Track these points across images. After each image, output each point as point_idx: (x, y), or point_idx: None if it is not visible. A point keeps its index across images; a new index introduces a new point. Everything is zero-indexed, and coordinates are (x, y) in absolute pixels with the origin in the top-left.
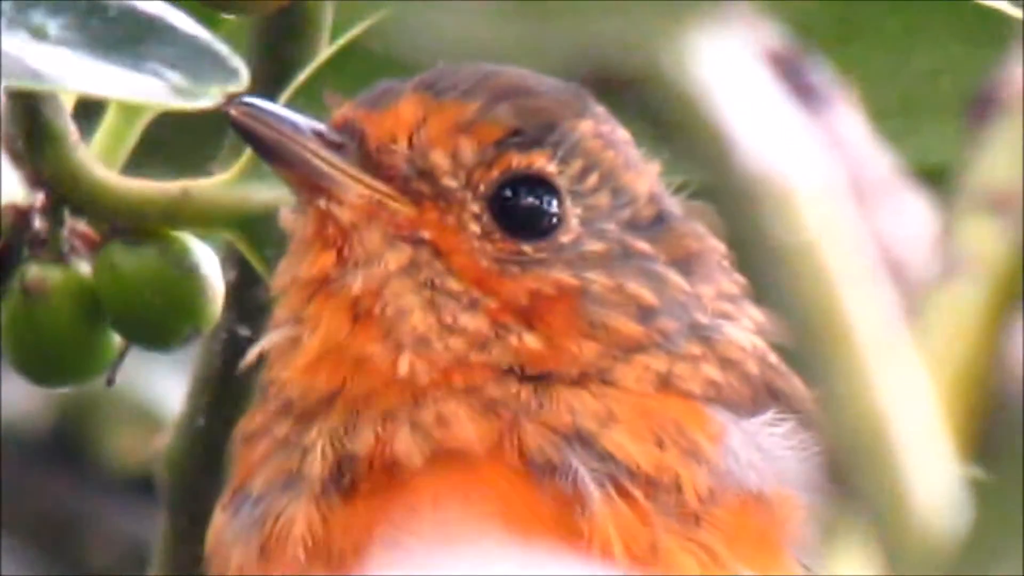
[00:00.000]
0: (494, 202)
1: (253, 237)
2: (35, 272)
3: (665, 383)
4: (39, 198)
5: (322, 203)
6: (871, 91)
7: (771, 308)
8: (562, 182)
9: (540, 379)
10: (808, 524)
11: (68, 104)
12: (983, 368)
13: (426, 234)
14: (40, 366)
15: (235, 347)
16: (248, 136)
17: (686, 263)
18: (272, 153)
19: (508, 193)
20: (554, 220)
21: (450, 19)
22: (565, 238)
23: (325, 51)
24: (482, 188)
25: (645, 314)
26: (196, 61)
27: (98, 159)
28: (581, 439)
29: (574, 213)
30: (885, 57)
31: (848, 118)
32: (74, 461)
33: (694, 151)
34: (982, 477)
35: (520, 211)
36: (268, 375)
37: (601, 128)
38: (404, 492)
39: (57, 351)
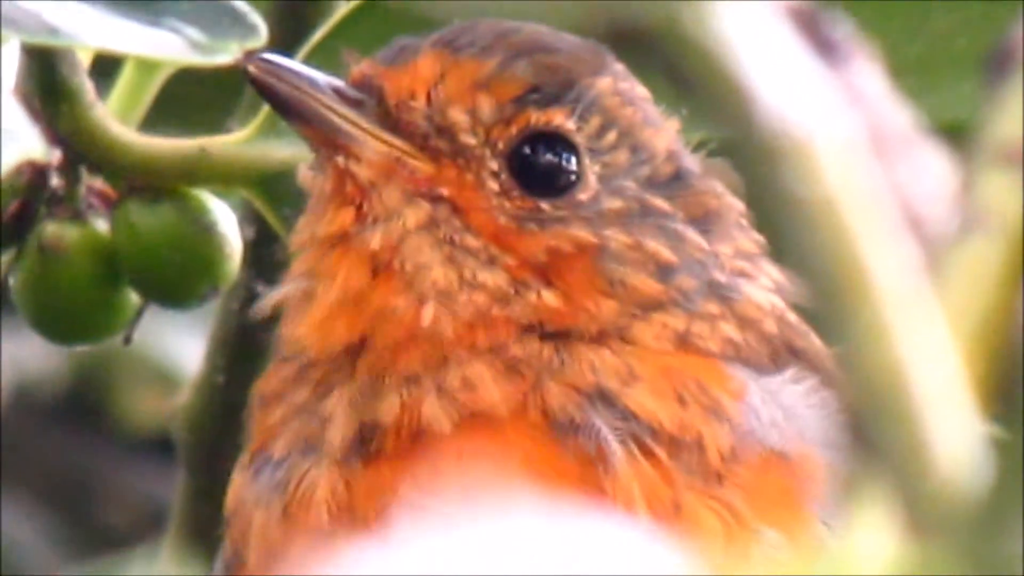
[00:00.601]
0: (513, 159)
1: (271, 195)
2: (52, 230)
3: (683, 341)
4: (56, 156)
5: (340, 160)
6: (889, 50)
7: (791, 263)
8: (580, 139)
9: (561, 337)
10: (829, 482)
11: (85, 61)
12: (1001, 322)
13: (444, 191)
14: (57, 324)
15: (253, 305)
16: (266, 92)
17: (704, 221)
18: (290, 109)
19: (527, 150)
20: (572, 177)
21: None
22: (583, 195)
23: (342, 8)
24: (500, 145)
25: (664, 272)
26: (214, 17)
27: (115, 116)
28: (603, 398)
29: (592, 171)
30: (903, 16)
31: (868, 74)
32: (91, 420)
33: (714, 106)
34: (1001, 432)
35: (539, 168)
36: (282, 330)
37: (619, 85)
38: (428, 455)
39: (74, 309)
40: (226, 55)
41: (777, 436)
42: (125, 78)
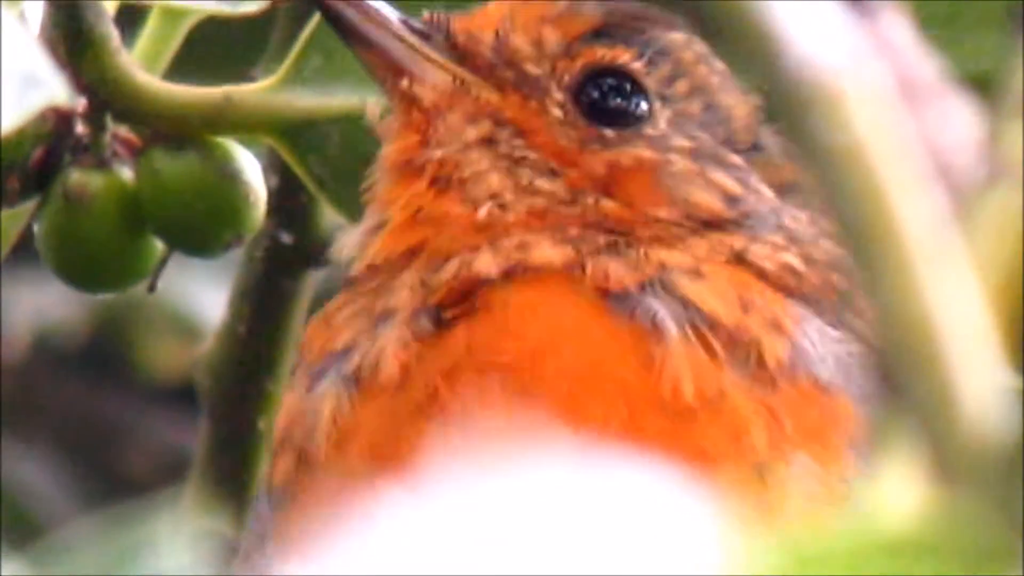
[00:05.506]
0: (578, 94)
1: (295, 143)
2: (77, 178)
3: (740, 259)
4: (81, 103)
5: (405, 84)
6: (917, 1)
7: (820, 210)
8: (649, 83)
9: (623, 234)
10: (863, 432)
11: (110, 9)
12: None
13: (508, 114)
14: (81, 272)
15: (277, 254)
16: (332, 17)
17: (781, 189)
18: (356, 35)
19: (593, 88)
20: (640, 119)
21: None
22: (651, 132)
23: None
24: (565, 78)
25: (729, 200)
26: None
27: (140, 64)
28: (665, 286)
29: (663, 115)
30: None
31: (896, 24)
32: (112, 368)
33: (744, 54)
34: None
35: (605, 107)
36: (354, 263)
37: (695, 47)
38: (489, 317)
39: (98, 257)
40: (252, 4)
41: (826, 371)
42: (151, 26)
